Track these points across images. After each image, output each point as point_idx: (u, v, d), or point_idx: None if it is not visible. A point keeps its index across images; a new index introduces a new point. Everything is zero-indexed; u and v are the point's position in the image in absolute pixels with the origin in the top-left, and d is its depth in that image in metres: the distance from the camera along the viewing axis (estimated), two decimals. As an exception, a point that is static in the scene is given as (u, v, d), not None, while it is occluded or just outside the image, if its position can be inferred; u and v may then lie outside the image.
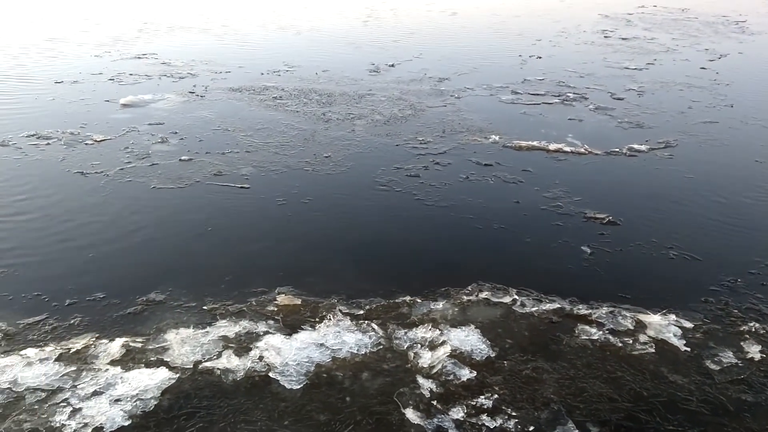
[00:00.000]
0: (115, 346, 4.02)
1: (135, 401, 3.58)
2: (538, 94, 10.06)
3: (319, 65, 12.80)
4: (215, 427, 3.39)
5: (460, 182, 6.67)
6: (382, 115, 8.79)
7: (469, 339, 4.19)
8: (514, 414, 3.53)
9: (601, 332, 4.27)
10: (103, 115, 9.08)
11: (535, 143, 7.59)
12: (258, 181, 6.41)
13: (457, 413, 3.55)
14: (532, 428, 3.44)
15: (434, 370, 3.90)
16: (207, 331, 4.17)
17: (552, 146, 7.48)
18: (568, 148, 7.43)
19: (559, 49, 14.92)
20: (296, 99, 10.16)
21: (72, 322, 4.32)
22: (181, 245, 5.37)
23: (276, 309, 4.44)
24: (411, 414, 3.53)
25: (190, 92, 10.47)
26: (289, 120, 9.02)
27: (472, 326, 4.29)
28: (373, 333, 4.21)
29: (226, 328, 4.23)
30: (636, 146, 7.48)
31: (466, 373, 3.87)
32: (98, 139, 7.88)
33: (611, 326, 4.32)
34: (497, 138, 7.79)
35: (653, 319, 4.37)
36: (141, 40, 15.68)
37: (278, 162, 6.92)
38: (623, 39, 16.36)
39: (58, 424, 3.39)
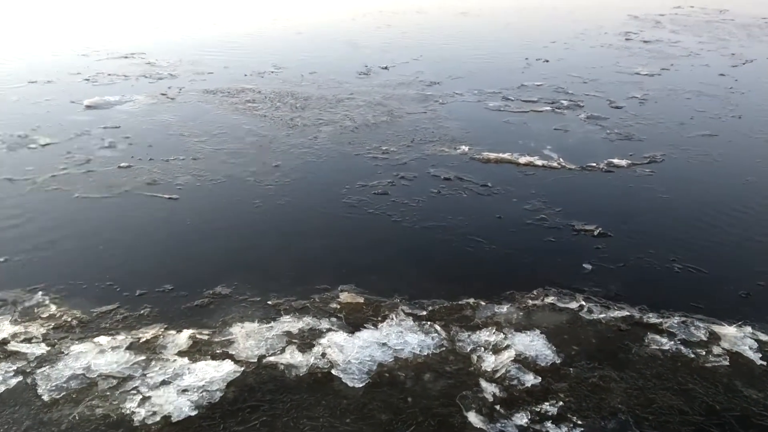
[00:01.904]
0: (182, 338, 4.36)
1: (201, 392, 3.87)
2: (530, 101, 9.78)
3: (309, 67, 12.77)
4: (278, 422, 3.63)
5: (433, 197, 6.72)
6: (353, 122, 8.61)
7: (534, 344, 4.36)
8: (579, 422, 3.66)
9: (672, 342, 4.39)
10: (61, 117, 9.18)
11: (505, 155, 7.30)
12: (189, 193, 6.24)
13: (521, 419, 3.70)
14: (598, 438, 3.41)
15: (498, 375, 4.07)
16: (271, 326, 4.50)
17: (522, 159, 7.18)
18: (539, 162, 7.12)
19: (571, 52, 14.59)
20: (269, 103, 10.06)
21: (142, 312, 4.65)
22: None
23: (339, 306, 4.72)
24: (473, 417, 3.70)
25: (162, 94, 10.51)
26: (253, 125, 8.92)
27: (537, 331, 4.48)
28: (435, 334, 4.44)
29: (290, 323, 4.53)
30: (616, 161, 7.12)
31: (530, 379, 4.03)
32: (43, 143, 7.95)
33: (683, 336, 4.44)
34: (466, 149, 7.53)
35: (728, 330, 4.47)
36: (133, 39, 15.93)
37: (221, 171, 6.79)
38: (645, 42, 15.94)
39: (128, 411, 3.69)
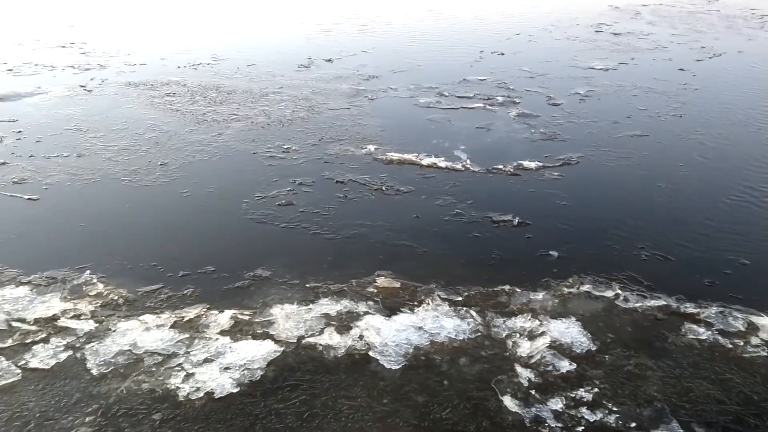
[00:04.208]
0: (224, 317, 4.68)
1: (243, 370, 4.15)
2: (464, 97, 9.62)
3: (249, 59, 12.48)
4: (317, 401, 3.90)
5: (342, 203, 6.65)
6: (268, 118, 8.45)
7: (569, 331, 4.56)
8: (615, 409, 3.84)
9: (709, 332, 4.55)
10: (-41, 109, 8.86)
11: (410, 156, 7.16)
12: (54, 193, 6.07)
13: (556, 404, 3.89)
14: (634, 425, 3.72)
15: (533, 360, 4.28)
16: (310, 308, 4.80)
17: (426, 161, 7.00)
18: (443, 164, 6.96)
19: (532, 45, 14.50)
20: (189, 96, 10.01)
21: (185, 292, 5.01)
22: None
23: (375, 291, 5.03)
24: (509, 401, 3.90)
25: (81, 86, 10.49)
26: (159, 120, 8.80)
27: (573, 318, 4.71)
28: (471, 320, 4.68)
29: (328, 306, 4.84)
30: (526, 163, 6.95)
31: (565, 365, 4.23)
32: (-76, 138, 7.68)
33: (721, 326, 4.59)
34: (372, 149, 7.36)
35: (766, 321, 4.64)
36: (81, 28, 15.69)
37: (100, 169, 6.70)
38: (614, 34, 15.89)
39: (173, 387, 4.01)
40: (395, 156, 7.67)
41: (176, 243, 5.84)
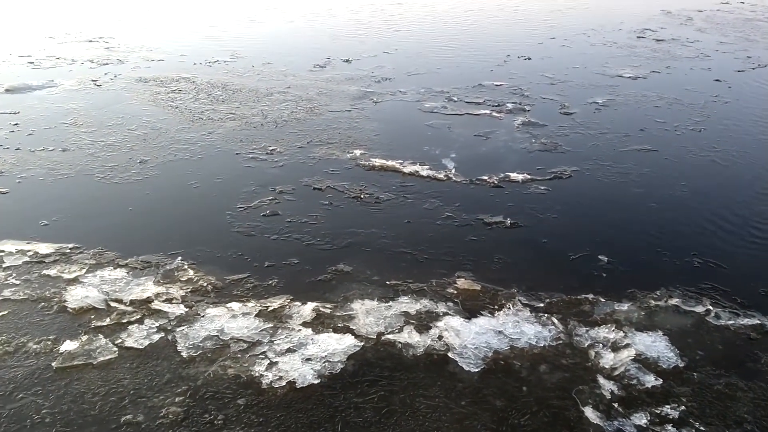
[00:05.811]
0: (307, 309, 4.91)
1: (324, 362, 4.34)
2: (473, 103, 9.51)
3: (267, 57, 12.51)
4: (395, 398, 4.01)
5: (328, 210, 6.59)
6: (264, 118, 8.55)
7: (655, 345, 4.54)
8: (702, 428, 3.80)
9: None
10: (-31, 101, 9.23)
11: (393, 163, 7.11)
12: (25, 187, 6.23)
13: (640, 419, 3.86)
14: (721, 445, 4.09)
15: (616, 372, 4.27)
16: (390, 306, 4.98)
17: (408, 168, 6.95)
18: (425, 172, 6.79)
19: (564, 50, 14.20)
20: (194, 94, 10.21)
21: (270, 282, 5.27)
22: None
23: (455, 292, 5.15)
24: (590, 413, 3.89)
25: (92, 80, 10.75)
26: (157, 116, 9.06)
27: (660, 332, 4.70)
28: (552, 327, 4.74)
29: (408, 304, 4.99)
30: (513, 175, 6.79)
31: (651, 380, 4.21)
32: None
33: None
34: (358, 153, 7.35)
35: None
36: (111, 22, 16.07)
37: (79, 164, 6.95)
38: (657, 41, 15.46)
39: (257, 374, 4.22)
40: (378, 162, 7.63)
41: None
